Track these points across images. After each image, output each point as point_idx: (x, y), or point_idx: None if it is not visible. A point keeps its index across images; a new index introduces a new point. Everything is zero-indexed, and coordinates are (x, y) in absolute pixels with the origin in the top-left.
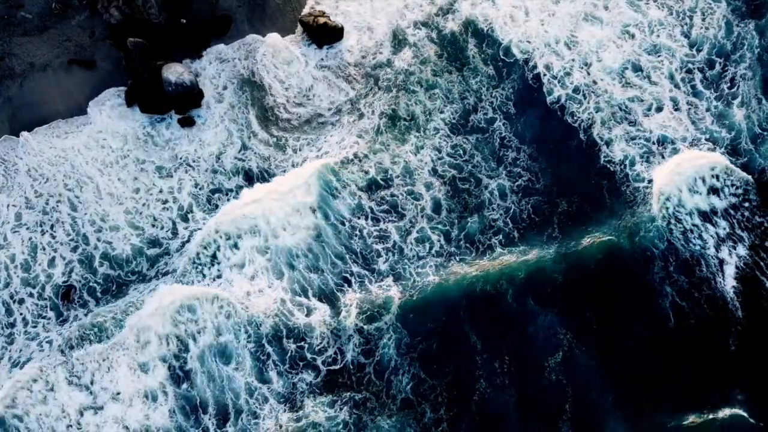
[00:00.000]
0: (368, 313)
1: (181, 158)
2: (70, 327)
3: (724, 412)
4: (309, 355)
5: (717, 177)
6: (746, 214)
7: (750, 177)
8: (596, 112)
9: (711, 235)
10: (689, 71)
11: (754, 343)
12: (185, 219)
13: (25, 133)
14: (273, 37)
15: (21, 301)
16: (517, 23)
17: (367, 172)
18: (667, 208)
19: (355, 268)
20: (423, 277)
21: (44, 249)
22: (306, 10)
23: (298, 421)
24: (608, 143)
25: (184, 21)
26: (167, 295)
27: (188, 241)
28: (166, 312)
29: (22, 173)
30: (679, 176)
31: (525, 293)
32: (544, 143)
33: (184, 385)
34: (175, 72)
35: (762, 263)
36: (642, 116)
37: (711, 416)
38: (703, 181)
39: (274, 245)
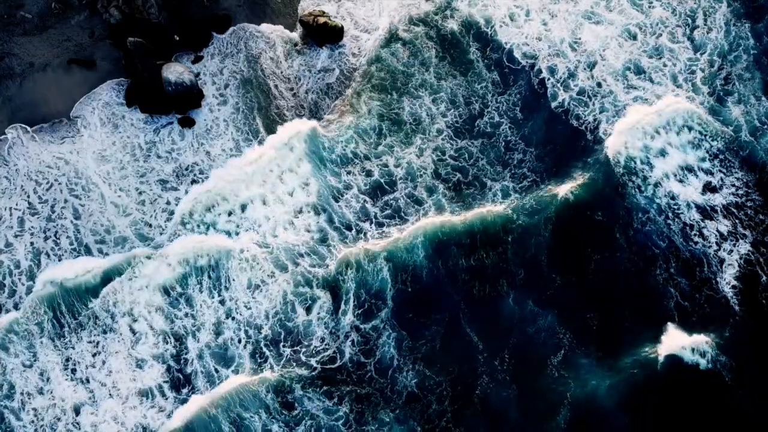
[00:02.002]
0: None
1: (186, 169)
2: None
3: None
4: (305, 354)
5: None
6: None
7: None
8: (600, 113)
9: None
10: (692, 72)
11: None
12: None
13: (17, 127)
14: (268, 26)
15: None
16: (518, 24)
17: (370, 174)
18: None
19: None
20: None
21: (48, 255)
22: (306, 10)
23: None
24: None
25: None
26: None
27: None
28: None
29: (22, 175)
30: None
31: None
32: (550, 145)
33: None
34: (175, 72)
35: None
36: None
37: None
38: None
39: (275, 244)
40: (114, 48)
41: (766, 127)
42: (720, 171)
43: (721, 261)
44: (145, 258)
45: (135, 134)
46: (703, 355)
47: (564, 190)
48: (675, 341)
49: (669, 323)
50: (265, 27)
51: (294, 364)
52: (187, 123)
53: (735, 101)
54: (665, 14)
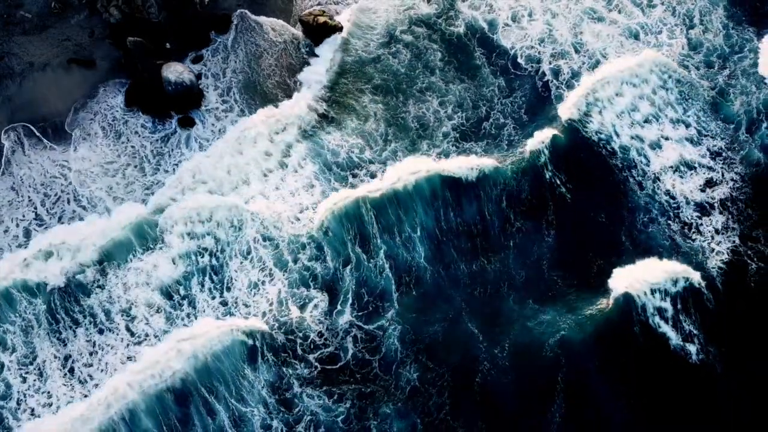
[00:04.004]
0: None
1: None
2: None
3: None
4: (300, 348)
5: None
6: None
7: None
8: (604, 111)
9: None
10: (686, 67)
11: None
12: None
13: (18, 128)
14: (268, 19)
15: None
16: (521, 26)
17: (374, 176)
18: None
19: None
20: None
21: None
22: (306, 9)
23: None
24: (616, 138)
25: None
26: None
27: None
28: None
29: (27, 185)
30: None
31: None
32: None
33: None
34: (174, 71)
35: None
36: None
37: None
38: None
39: (279, 238)
40: (114, 48)
41: (762, 117)
42: (698, 127)
43: (712, 250)
44: (142, 253)
45: (140, 144)
46: (693, 343)
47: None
48: (666, 330)
49: (661, 315)
50: (266, 19)
51: (292, 356)
52: (187, 123)
53: (734, 96)
54: (665, 14)
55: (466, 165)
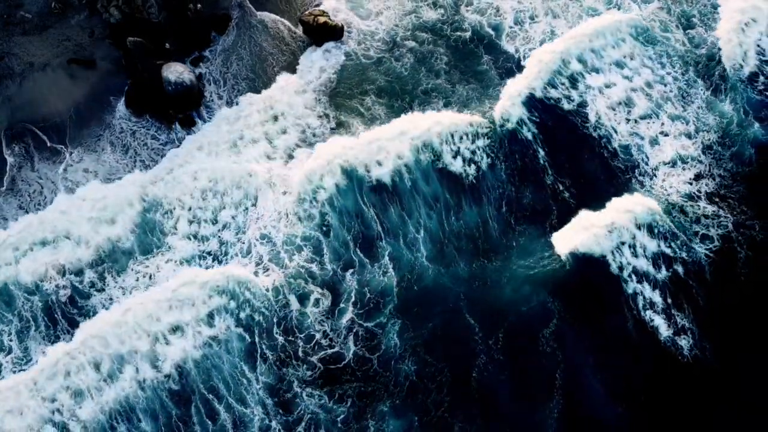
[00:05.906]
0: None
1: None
2: None
3: None
4: (304, 346)
5: None
6: None
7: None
8: (605, 107)
9: None
10: (685, 63)
11: None
12: None
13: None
14: (264, 15)
15: None
16: (525, 29)
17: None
18: None
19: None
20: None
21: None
22: (307, 10)
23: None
24: (615, 134)
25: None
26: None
27: None
28: None
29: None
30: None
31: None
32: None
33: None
34: (174, 71)
35: None
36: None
37: None
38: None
39: (277, 235)
40: (114, 48)
41: (750, 116)
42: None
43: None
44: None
45: (149, 156)
46: (686, 338)
47: (569, 183)
48: (658, 325)
49: (653, 309)
50: (267, 17)
51: (293, 357)
52: (187, 123)
53: (727, 93)
54: (662, 12)
55: (458, 120)
